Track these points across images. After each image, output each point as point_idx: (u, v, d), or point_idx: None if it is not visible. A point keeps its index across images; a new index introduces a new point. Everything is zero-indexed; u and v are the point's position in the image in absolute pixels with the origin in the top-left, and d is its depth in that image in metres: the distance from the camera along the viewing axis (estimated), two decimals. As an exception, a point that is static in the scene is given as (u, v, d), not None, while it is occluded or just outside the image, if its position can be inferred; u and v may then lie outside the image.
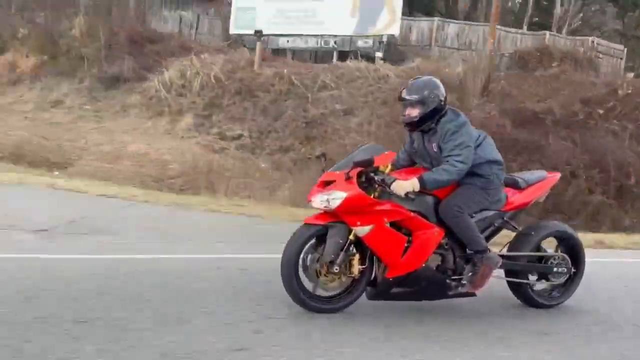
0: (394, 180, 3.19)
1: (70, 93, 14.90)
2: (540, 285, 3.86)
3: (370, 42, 15.36)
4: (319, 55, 17.09)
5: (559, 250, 3.86)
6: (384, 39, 15.29)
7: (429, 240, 3.26)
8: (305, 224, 3.29)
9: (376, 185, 3.22)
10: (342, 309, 3.35)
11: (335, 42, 16.01)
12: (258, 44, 14.65)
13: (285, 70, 13.77)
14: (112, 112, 13.80)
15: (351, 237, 3.21)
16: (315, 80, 13.67)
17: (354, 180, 3.16)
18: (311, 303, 3.27)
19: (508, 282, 3.75)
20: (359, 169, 3.21)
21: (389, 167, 3.44)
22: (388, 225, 3.20)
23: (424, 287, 3.35)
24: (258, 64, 14.41)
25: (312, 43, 16.44)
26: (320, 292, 3.31)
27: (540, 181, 3.74)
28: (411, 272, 3.25)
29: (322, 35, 16.17)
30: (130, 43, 17.08)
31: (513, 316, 3.69)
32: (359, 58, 14.82)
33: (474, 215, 3.40)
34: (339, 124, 12.42)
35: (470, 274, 3.42)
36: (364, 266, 3.29)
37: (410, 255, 3.23)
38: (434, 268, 3.36)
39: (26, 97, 15.83)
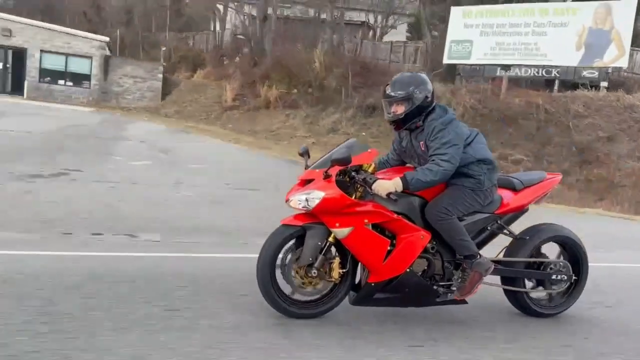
0: (376, 180, 3.04)
1: (340, 121, 17.62)
2: (538, 293, 3.64)
3: (595, 72, 17.38)
4: (529, 82, 19.26)
5: (561, 257, 3.66)
6: (610, 69, 17.31)
7: (413, 244, 3.10)
8: (283, 224, 3.13)
9: (358, 185, 3.08)
10: (322, 314, 3.20)
11: (557, 72, 18.13)
12: (505, 75, 16.99)
13: (540, 100, 16.03)
14: (389, 138, 16.36)
15: (330, 239, 3.08)
16: (566, 109, 15.89)
17: (333, 179, 3.02)
18: (288, 308, 3.13)
19: (504, 289, 3.58)
20: (338, 167, 3.04)
21: (373, 165, 3.24)
22: (370, 227, 3.05)
23: (409, 293, 3.18)
24: (504, 93, 16.78)
25: (531, 72, 18.61)
26: (299, 296, 3.16)
27: (539, 182, 3.54)
28: (394, 277, 3.11)
29: (543, 66, 18.33)
30: (361, 73, 19.80)
31: (509, 325, 3.47)
32: (589, 87, 16.96)
33: (464, 218, 3.24)
34: (606, 149, 14.57)
35: (459, 280, 3.25)
36: (344, 270, 3.15)
37: (392, 259, 3.08)
38: (420, 273, 3.19)
39: (290, 123, 18.70)
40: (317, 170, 3.12)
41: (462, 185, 3.21)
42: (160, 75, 24.48)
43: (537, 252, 3.59)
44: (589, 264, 3.68)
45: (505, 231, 3.52)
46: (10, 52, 23.07)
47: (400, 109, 3.18)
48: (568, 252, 3.64)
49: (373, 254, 3.07)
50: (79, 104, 22.84)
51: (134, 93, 24.16)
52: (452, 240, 3.20)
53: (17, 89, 23.15)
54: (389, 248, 3.09)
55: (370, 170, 3.20)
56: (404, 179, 3.04)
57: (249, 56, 24.72)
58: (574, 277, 3.62)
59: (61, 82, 23.56)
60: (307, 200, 3.00)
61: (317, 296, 3.20)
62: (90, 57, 23.68)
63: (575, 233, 3.66)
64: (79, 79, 23.78)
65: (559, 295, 3.67)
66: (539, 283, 3.62)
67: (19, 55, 23.06)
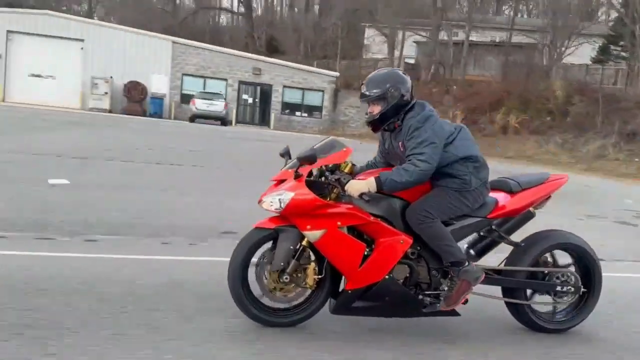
0: (349, 180, 2.90)
1: (605, 147, 19.02)
2: (542, 306, 3.33)
3: None
4: None
5: (571, 266, 3.34)
6: None
7: (391, 249, 2.91)
8: (255, 228, 2.97)
9: (332, 186, 2.92)
10: (298, 323, 3.03)
11: None
12: None
13: None
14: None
15: (304, 242, 2.93)
16: None
17: (304, 178, 2.86)
18: (261, 315, 2.97)
19: (506, 302, 3.30)
20: (310, 166, 2.90)
21: (349, 165, 3.07)
22: (344, 230, 2.89)
23: (390, 302, 2.99)
24: None
25: None
26: (273, 303, 3.00)
27: (540, 184, 3.24)
28: (372, 284, 2.93)
29: None
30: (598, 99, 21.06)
31: (509, 340, 3.14)
32: None
33: (452, 222, 3.03)
34: None
35: (447, 289, 3.03)
36: (320, 276, 2.97)
37: (369, 265, 2.90)
38: (401, 281, 2.99)
39: (545, 149, 20.29)
40: (290, 171, 2.96)
41: (447, 186, 3.00)
42: (380, 105, 26.91)
43: (544, 261, 3.29)
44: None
45: (501, 237, 3.23)
46: (258, 89, 26.40)
47: (376, 109, 3.00)
48: (578, 261, 3.34)
49: (348, 258, 2.91)
50: (311, 132, 25.67)
51: (356, 121, 26.73)
52: (435, 246, 2.98)
53: (262, 120, 26.45)
54: (366, 253, 2.91)
55: (346, 170, 3.04)
56: (377, 179, 2.88)
57: (449, 81, 26.59)
58: (582, 289, 3.29)
59: (298, 113, 26.64)
60: (280, 201, 2.85)
61: (294, 303, 3.04)
62: (322, 91, 26.57)
63: (585, 240, 3.31)
64: (312, 110, 26.78)
65: (568, 308, 3.36)
66: (543, 294, 3.32)
67: (265, 91, 26.37)
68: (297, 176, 2.86)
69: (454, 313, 3.08)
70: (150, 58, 25.04)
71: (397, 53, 32.00)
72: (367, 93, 3.00)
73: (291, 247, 2.91)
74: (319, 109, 26.83)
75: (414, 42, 35.05)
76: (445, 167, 2.98)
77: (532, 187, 3.22)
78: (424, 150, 2.86)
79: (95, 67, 24.49)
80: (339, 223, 2.86)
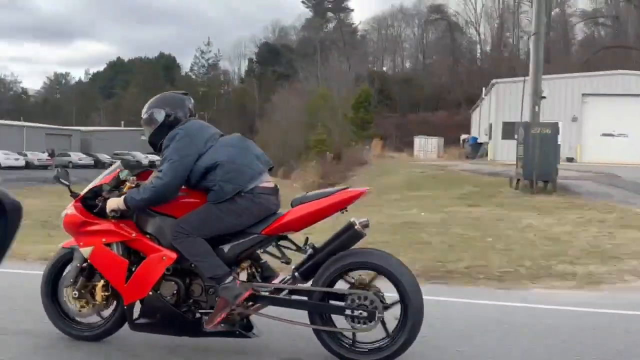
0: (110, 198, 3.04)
1: None
2: (345, 331, 2.96)
3: None
4: None
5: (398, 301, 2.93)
6: None
7: (151, 265, 2.94)
8: (62, 247, 3.25)
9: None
10: (102, 337, 3.19)
11: None
12: None
13: None
14: None
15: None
16: None
17: (79, 197, 3.09)
18: (66, 329, 3.22)
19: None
20: (90, 187, 3.13)
21: (127, 185, 3.07)
22: (115, 247, 3.00)
23: (163, 320, 2.96)
24: None
25: None
26: (82, 318, 3.19)
27: (323, 197, 2.94)
28: (140, 300, 2.98)
29: None
30: None
31: None
32: None
33: (230, 239, 2.94)
34: None
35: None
36: (107, 293, 3.06)
37: (132, 281, 2.96)
38: (169, 297, 2.94)
39: None
40: (82, 192, 3.18)
41: (208, 200, 2.96)
42: None
43: (360, 283, 2.92)
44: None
45: (282, 257, 3.05)
46: None
47: (148, 131, 3.12)
48: (395, 287, 2.87)
49: (114, 274, 3.01)
50: None
51: None
52: (193, 262, 2.94)
53: None
54: (133, 269, 2.99)
55: (125, 189, 3.07)
56: (125, 197, 2.96)
57: None
58: (379, 315, 2.82)
59: None
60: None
61: (97, 319, 3.21)
62: None
63: (402, 263, 2.95)
64: None
65: (378, 340, 2.93)
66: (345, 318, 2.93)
67: None
68: (74, 195, 3.11)
69: (242, 335, 2.93)
70: None
71: None
72: (141, 116, 3.15)
73: (77, 265, 3.10)
74: None
75: None
76: (201, 182, 2.98)
77: (311, 200, 2.97)
78: (162, 168, 2.92)
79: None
80: (103, 240, 3.01)
